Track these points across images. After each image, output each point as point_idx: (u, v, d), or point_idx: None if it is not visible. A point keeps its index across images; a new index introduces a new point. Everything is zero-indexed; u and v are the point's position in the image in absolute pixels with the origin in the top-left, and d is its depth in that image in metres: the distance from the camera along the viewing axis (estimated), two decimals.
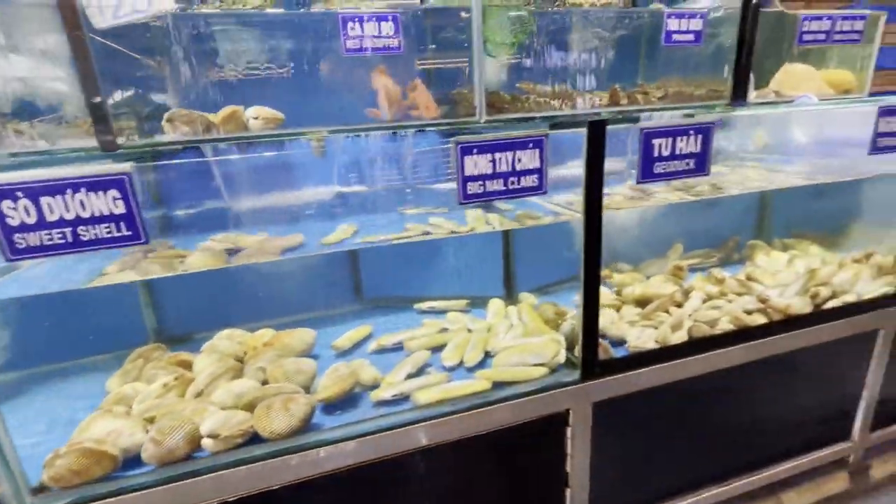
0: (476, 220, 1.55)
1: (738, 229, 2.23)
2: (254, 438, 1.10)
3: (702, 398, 1.53)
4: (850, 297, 1.62)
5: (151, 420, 1.06)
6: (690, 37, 2.08)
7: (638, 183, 1.20)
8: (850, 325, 1.62)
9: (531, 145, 1.08)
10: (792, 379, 1.65)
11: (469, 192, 1.07)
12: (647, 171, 1.20)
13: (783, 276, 1.76)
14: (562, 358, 1.34)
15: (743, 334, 1.49)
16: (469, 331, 1.55)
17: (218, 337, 1.47)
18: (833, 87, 2.29)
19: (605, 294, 1.74)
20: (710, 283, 1.72)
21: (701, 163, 1.25)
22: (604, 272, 1.90)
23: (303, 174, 1.60)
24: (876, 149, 1.43)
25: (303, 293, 1.79)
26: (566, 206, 1.54)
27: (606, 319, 1.56)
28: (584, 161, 1.16)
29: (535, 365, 1.31)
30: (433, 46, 1.75)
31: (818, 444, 1.80)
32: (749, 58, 2.12)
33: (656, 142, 1.18)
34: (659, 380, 1.41)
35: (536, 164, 1.10)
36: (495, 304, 1.74)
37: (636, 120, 1.17)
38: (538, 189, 1.12)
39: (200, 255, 1.32)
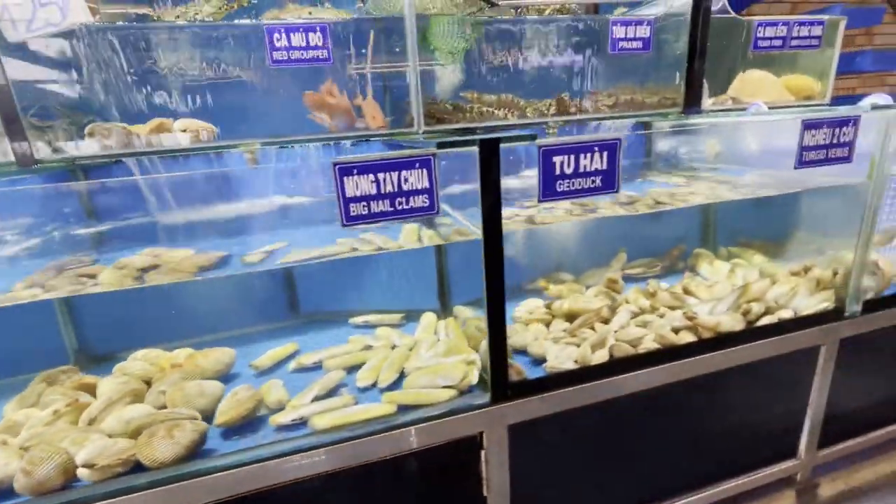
0: (408, 235, 1.53)
1: (685, 237, 2.19)
2: (137, 467, 1.08)
3: (630, 418, 1.49)
4: (786, 313, 1.58)
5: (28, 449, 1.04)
6: (638, 44, 2.05)
7: (540, 201, 1.18)
8: (786, 342, 1.58)
9: (417, 165, 1.05)
10: (729, 397, 1.61)
11: (352, 214, 1.04)
12: (549, 189, 1.17)
13: (719, 289, 1.73)
14: (473, 379, 1.31)
15: (668, 354, 1.45)
16: (393, 348, 1.53)
17: (132, 358, 1.45)
18: (794, 94, 2.26)
19: (537, 307, 1.71)
20: (643, 296, 1.69)
21: (609, 180, 1.22)
22: (541, 283, 1.88)
23: (237, 187, 1.58)
24: (801, 163, 1.40)
25: (235, 309, 1.77)
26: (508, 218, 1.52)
27: (531, 335, 1.53)
28: (479, 180, 1.13)
29: (445, 387, 1.28)
30: (381, 55, 1.73)
31: (763, 462, 1.76)
32: (701, 64, 2.10)
33: (557, 159, 1.16)
34: (578, 401, 1.37)
35: (425, 184, 1.08)
36: (427, 319, 1.71)
37: (533, 137, 1.14)
38: (430, 209, 1.10)
39: (110, 273, 1.30)
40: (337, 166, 1.00)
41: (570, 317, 1.62)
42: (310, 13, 1.72)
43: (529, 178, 1.22)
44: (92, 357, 1.63)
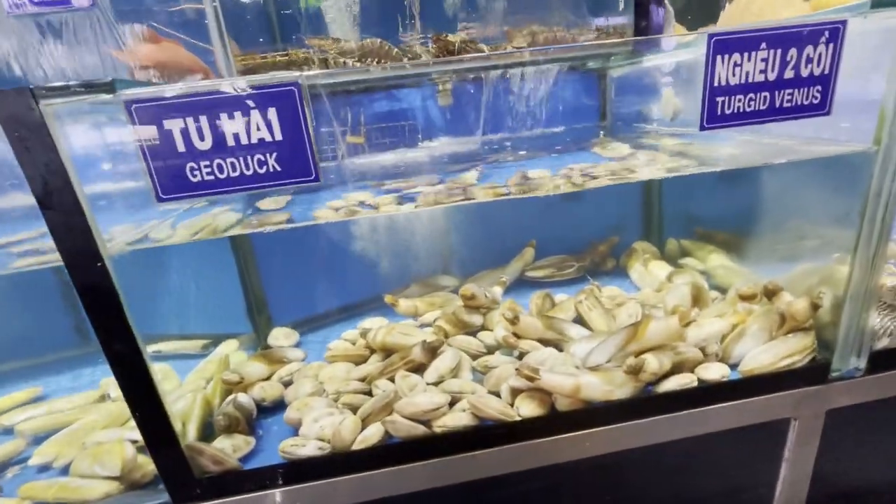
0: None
1: (623, 226, 1.55)
2: None
3: None
4: (715, 370, 0.96)
5: None
6: None
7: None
8: (715, 417, 0.96)
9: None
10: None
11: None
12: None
13: (624, 315, 1.12)
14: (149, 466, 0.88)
15: (477, 437, 0.91)
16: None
17: None
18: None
19: (347, 341, 1.23)
20: (505, 323, 1.12)
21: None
22: (387, 297, 1.36)
23: None
24: (714, 118, 0.76)
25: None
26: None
27: (309, 385, 1.05)
28: None
29: (107, 478, 0.86)
30: None
31: None
32: None
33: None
34: (321, 503, 0.89)
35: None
36: (224, 349, 1.29)
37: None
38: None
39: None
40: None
41: (389, 353, 1.12)
42: None
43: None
44: None
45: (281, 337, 1.33)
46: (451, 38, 1.48)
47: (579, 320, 1.21)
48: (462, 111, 1.61)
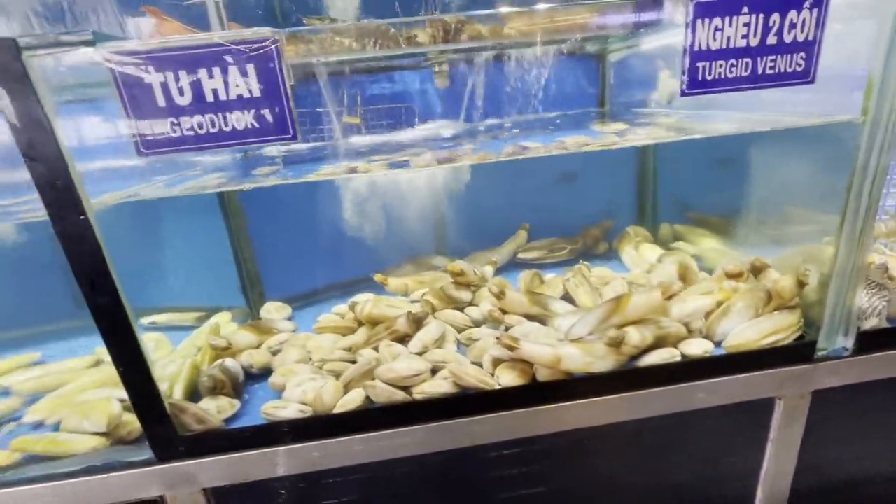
0: None
1: (616, 211, 1.55)
2: None
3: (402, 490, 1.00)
4: (698, 346, 0.95)
5: None
6: None
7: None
8: (694, 394, 0.96)
9: None
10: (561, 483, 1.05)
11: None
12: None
13: (609, 292, 1.12)
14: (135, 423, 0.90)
15: (456, 404, 0.92)
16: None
17: None
18: None
19: (336, 315, 1.24)
20: (492, 298, 1.13)
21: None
22: (377, 276, 1.37)
23: None
24: (695, 83, 0.76)
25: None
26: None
27: (296, 353, 1.07)
28: None
29: (94, 433, 0.89)
30: None
31: None
32: None
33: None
34: (300, 465, 0.91)
35: None
36: (216, 320, 1.31)
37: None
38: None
39: None
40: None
41: (375, 325, 1.13)
42: None
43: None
44: None
45: (273, 311, 1.35)
46: (447, 18, 1.48)
47: (567, 298, 1.21)
48: (458, 93, 1.61)
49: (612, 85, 1.75)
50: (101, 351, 1.22)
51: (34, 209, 0.96)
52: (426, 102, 1.65)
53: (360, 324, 1.20)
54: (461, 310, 1.21)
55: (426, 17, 1.50)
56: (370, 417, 0.92)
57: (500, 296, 1.10)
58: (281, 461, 0.90)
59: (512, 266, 1.55)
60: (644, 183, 1.58)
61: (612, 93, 1.74)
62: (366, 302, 1.16)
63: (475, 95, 1.61)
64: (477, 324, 1.16)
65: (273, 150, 1.41)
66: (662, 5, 0.78)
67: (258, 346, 1.15)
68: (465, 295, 1.25)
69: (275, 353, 1.13)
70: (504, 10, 1.52)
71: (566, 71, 1.71)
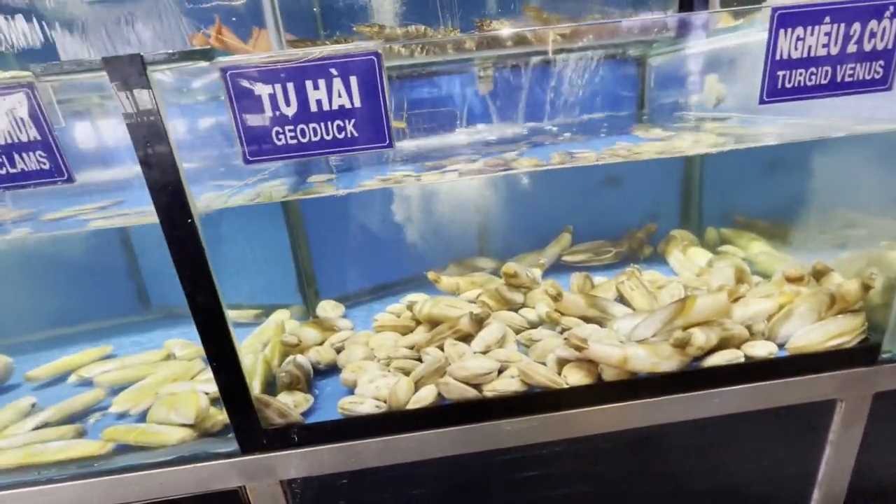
0: None
1: (661, 213, 1.56)
2: None
3: (472, 485, 1.03)
4: (761, 347, 0.97)
5: None
6: None
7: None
8: (759, 394, 0.98)
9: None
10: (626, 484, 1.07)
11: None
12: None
13: (666, 295, 1.14)
14: (219, 416, 0.94)
15: (528, 403, 0.95)
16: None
17: None
18: None
19: (392, 314, 1.28)
20: (548, 299, 1.15)
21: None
22: (430, 274, 1.40)
23: None
24: (774, 92, 0.77)
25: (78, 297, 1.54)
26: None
27: (360, 351, 1.11)
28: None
29: (182, 425, 0.93)
30: None
31: None
32: None
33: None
34: (377, 458, 0.94)
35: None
36: (278, 317, 1.35)
37: None
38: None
39: None
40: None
41: (434, 325, 1.17)
42: None
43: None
44: None
45: (329, 308, 1.39)
46: (494, 24, 1.51)
47: (620, 300, 1.23)
48: (502, 98, 1.63)
49: (651, 88, 1.76)
50: (170, 344, 1.27)
51: (123, 213, 1.01)
52: (469, 106, 1.69)
53: (418, 322, 1.23)
54: (515, 312, 1.24)
55: (473, 25, 1.53)
56: (442, 413, 0.95)
57: (557, 297, 1.13)
58: (356, 454, 0.94)
59: (557, 269, 1.57)
60: (689, 186, 1.59)
61: (652, 96, 1.76)
62: (425, 302, 1.20)
63: (518, 100, 1.63)
64: (533, 325, 1.19)
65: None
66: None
67: (321, 343, 1.19)
68: (517, 297, 1.27)
69: (338, 351, 1.17)
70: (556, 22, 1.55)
71: (606, 74, 1.72)
